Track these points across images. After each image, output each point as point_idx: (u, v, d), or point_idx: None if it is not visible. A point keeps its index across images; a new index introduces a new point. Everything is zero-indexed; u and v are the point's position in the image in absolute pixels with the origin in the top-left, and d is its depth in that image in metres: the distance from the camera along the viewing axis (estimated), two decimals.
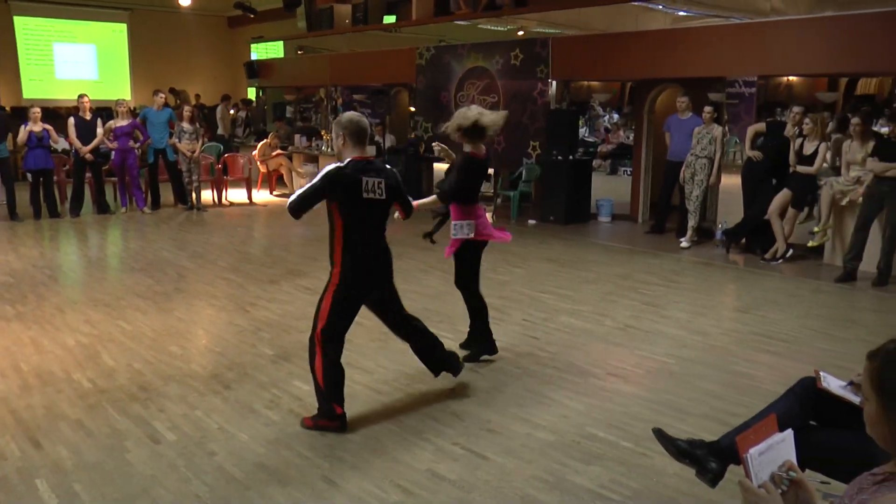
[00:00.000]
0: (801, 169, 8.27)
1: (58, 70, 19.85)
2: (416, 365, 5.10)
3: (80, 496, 3.46)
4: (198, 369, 5.16)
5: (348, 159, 4.11)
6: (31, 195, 11.18)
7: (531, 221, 11.29)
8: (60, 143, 12.71)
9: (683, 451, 3.10)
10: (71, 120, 11.35)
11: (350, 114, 4.31)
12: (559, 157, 10.92)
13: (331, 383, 4.15)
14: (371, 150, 4.70)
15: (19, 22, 19.08)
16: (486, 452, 3.92)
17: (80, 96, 11.52)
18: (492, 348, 5.37)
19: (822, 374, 2.94)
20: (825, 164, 8.37)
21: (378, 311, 4.50)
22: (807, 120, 8.24)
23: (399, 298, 4.53)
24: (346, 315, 4.21)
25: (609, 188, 13.67)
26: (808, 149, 8.23)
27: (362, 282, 4.20)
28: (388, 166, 4.31)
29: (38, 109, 11.24)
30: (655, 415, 4.40)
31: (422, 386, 4.83)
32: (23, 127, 10.96)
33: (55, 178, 11.72)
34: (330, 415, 4.17)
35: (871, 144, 7.81)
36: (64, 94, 18.41)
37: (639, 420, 4.32)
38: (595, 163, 15.58)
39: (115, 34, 20.69)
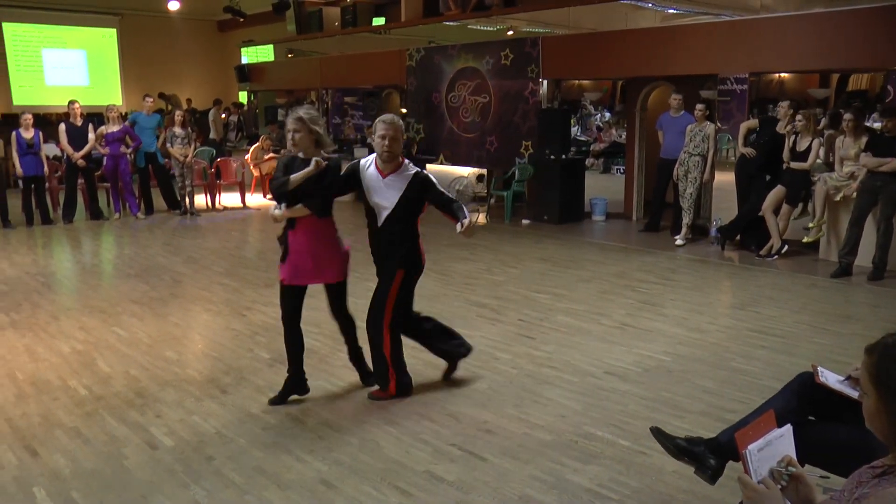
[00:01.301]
0: (794, 165, 8.29)
1: (47, 76, 19.79)
2: (411, 365, 5.10)
3: None
4: (194, 374, 5.14)
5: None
6: (24, 202, 11.15)
7: (525, 221, 11.30)
8: (50, 149, 12.68)
9: (682, 448, 3.10)
10: (62, 126, 11.33)
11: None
12: (552, 157, 10.92)
13: (398, 358, 4.66)
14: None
15: (8, 28, 19.03)
16: (484, 453, 3.92)
17: (71, 102, 11.49)
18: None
19: (819, 369, 2.94)
20: (818, 160, 8.39)
21: None
22: (799, 116, 8.26)
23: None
24: (410, 299, 4.76)
25: (602, 187, 13.68)
26: (802, 145, 8.25)
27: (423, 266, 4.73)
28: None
29: (30, 116, 11.21)
30: (653, 413, 4.41)
31: (418, 387, 4.82)
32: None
33: (47, 184, 11.69)
34: (402, 387, 4.69)
35: (864, 140, 7.84)
36: (54, 101, 18.37)
37: (636, 418, 4.32)
38: (588, 161, 15.60)
39: (105, 39, 20.63)
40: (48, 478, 3.70)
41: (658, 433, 3.20)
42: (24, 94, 19.19)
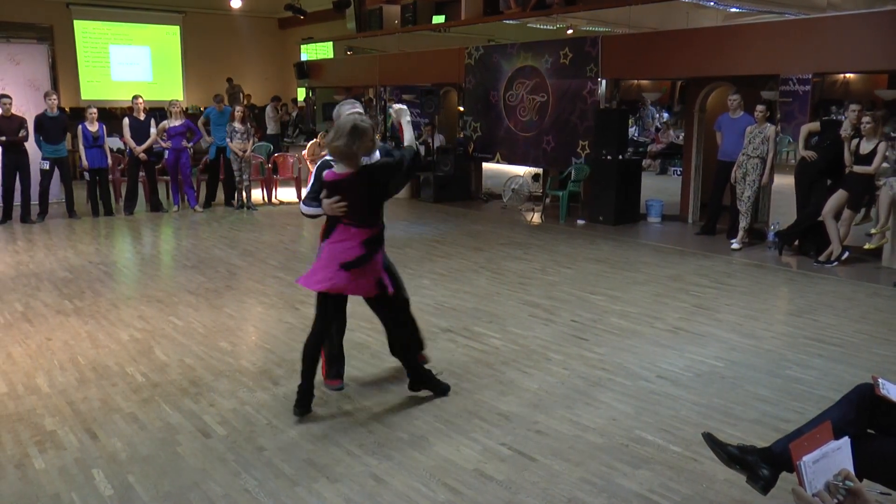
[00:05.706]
0: (858, 169, 8.06)
1: (114, 72, 20.34)
2: (464, 363, 5.11)
3: (135, 487, 3.54)
4: (248, 365, 5.23)
5: None
6: (89, 193, 11.52)
7: (580, 221, 11.22)
8: (113, 143, 13.06)
9: (734, 456, 3.04)
10: (126, 120, 11.64)
11: None
12: (608, 157, 10.83)
13: None
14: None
15: (79, 25, 19.63)
16: (534, 454, 3.91)
17: (135, 97, 11.81)
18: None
19: (880, 380, 2.85)
20: (885, 164, 8.14)
21: None
22: (867, 118, 8.02)
23: None
24: None
25: (659, 188, 13.52)
26: (866, 148, 8.02)
27: None
28: None
29: (95, 110, 11.55)
30: (705, 419, 4.34)
31: (469, 385, 4.83)
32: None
33: (110, 176, 12.04)
34: None
35: None
36: (120, 95, 18.92)
37: (688, 424, 4.26)
38: (645, 162, 15.40)
39: (169, 36, 21.13)
40: (106, 461, 3.81)
41: (710, 439, 3.15)
42: (91, 89, 19.76)
